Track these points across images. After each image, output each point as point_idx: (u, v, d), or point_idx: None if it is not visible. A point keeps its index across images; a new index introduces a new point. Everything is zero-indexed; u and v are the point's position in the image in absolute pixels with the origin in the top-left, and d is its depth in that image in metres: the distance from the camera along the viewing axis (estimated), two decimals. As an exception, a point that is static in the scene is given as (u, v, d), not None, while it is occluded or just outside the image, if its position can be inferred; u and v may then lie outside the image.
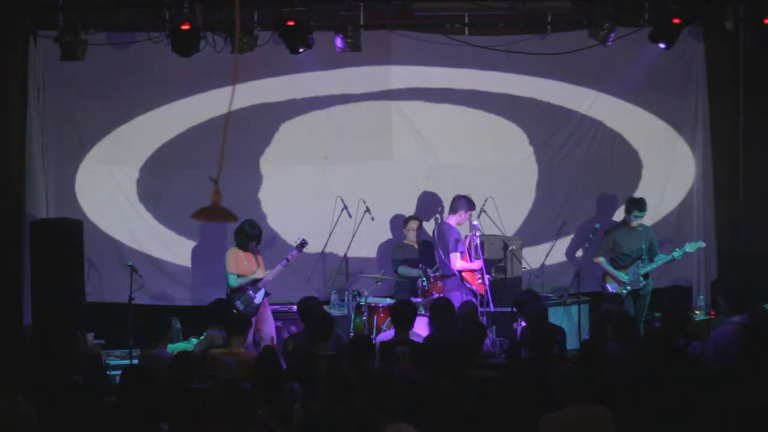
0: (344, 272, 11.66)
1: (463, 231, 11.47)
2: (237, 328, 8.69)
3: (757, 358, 7.54)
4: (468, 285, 11.20)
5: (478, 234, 11.18)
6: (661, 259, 11.50)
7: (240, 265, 11.03)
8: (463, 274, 11.22)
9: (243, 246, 11.05)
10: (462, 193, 11.48)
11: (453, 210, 11.39)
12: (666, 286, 12.22)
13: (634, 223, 11.48)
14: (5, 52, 11.89)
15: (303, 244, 11.17)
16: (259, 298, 11.02)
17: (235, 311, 10.75)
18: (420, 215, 12.13)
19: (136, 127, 12.21)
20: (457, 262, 11.16)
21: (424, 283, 11.28)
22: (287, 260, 11.10)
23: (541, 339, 8.12)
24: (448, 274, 11.22)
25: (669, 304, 10.74)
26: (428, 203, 12.42)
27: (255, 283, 11.03)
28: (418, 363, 8.38)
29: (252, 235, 11.04)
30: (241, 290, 10.99)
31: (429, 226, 12.21)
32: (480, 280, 11.23)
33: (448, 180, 12.35)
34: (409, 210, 12.30)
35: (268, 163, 12.36)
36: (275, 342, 10.66)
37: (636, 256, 11.47)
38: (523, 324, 9.64)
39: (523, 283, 11.87)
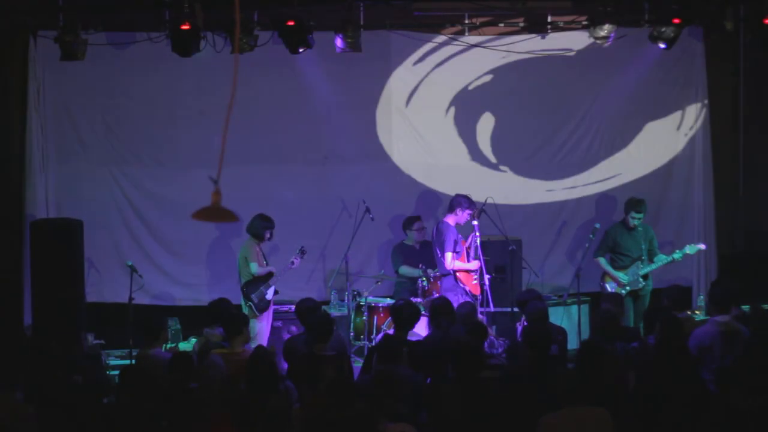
0: (344, 272, 11.67)
1: (464, 231, 11.45)
2: (235, 327, 8.69)
3: (757, 359, 7.54)
4: (462, 285, 11.18)
5: (478, 234, 11.18)
6: (661, 260, 11.50)
7: (259, 257, 11.12)
8: (457, 274, 11.21)
9: (260, 237, 11.14)
10: (462, 194, 11.49)
11: (451, 209, 11.38)
12: (666, 287, 12.21)
13: (633, 224, 11.48)
14: (5, 52, 11.89)
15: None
16: (270, 294, 11.09)
17: (251, 303, 10.92)
18: (420, 215, 12.12)
19: (136, 127, 12.21)
20: (452, 261, 11.14)
21: (424, 283, 11.27)
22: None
23: (541, 339, 8.11)
24: (445, 273, 11.22)
25: (669, 304, 10.71)
26: (428, 203, 12.41)
27: (267, 279, 11.06)
28: (418, 363, 8.38)
29: (267, 225, 11.12)
30: (255, 284, 11.03)
31: (429, 226, 12.18)
32: (475, 281, 11.23)
33: (448, 180, 12.35)
34: (409, 210, 12.29)
35: (269, 162, 12.35)
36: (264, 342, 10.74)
37: (636, 256, 11.48)
38: (525, 323, 9.65)
39: (523, 283, 11.87)
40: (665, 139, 12.62)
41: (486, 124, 12.52)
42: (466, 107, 12.47)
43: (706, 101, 12.47)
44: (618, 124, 12.58)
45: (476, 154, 12.54)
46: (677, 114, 12.58)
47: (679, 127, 12.60)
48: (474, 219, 11.27)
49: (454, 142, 12.52)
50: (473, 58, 12.20)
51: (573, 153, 12.56)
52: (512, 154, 12.59)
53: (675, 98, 12.56)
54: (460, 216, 11.30)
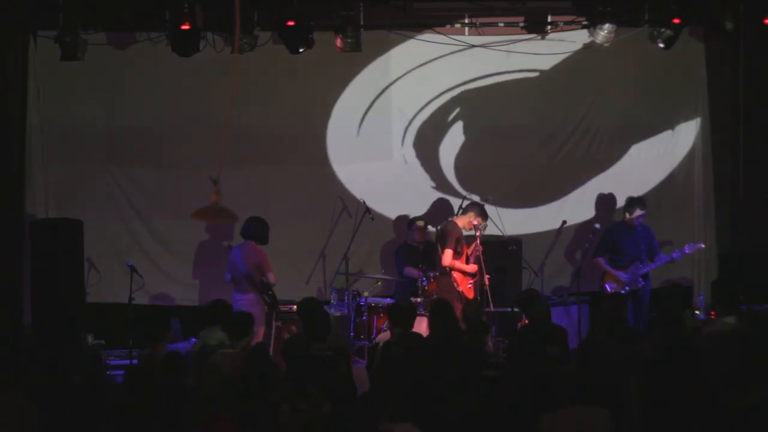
0: (344, 272, 11.67)
1: (467, 239, 11.40)
2: (244, 327, 8.65)
3: (756, 358, 7.54)
4: (455, 286, 11.13)
5: (479, 241, 11.12)
6: (660, 259, 11.51)
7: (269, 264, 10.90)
8: (454, 274, 11.17)
9: (266, 239, 10.91)
10: (463, 194, 11.48)
11: (464, 212, 11.34)
12: (666, 286, 12.22)
13: (637, 222, 11.45)
14: (5, 52, 11.89)
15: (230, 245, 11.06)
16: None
17: (277, 306, 10.82)
18: (427, 219, 12.05)
19: (135, 127, 12.21)
20: (450, 259, 11.07)
21: (425, 283, 11.27)
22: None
23: (542, 338, 8.12)
24: (444, 273, 11.16)
25: (669, 304, 10.72)
26: (438, 207, 12.35)
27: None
28: (417, 362, 8.37)
29: (268, 226, 10.92)
30: (271, 288, 10.90)
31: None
32: (470, 285, 11.19)
33: (448, 180, 12.35)
34: (410, 210, 12.29)
35: (269, 162, 12.35)
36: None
37: (635, 256, 11.48)
38: (525, 323, 9.64)
39: (523, 283, 11.87)
40: (665, 138, 12.61)
41: (486, 124, 12.50)
42: (466, 107, 12.47)
43: (706, 101, 12.47)
44: (617, 126, 12.55)
45: (476, 154, 12.53)
46: (677, 114, 12.57)
47: (678, 127, 12.59)
48: (478, 230, 11.14)
49: (455, 141, 12.51)
50: (473, 58, 12.20)
51: (573, 153, 12.52)
52: (512, 153, 12.53)
53: (675, 98, 12.55)
54: (470, 222, 11.18)
